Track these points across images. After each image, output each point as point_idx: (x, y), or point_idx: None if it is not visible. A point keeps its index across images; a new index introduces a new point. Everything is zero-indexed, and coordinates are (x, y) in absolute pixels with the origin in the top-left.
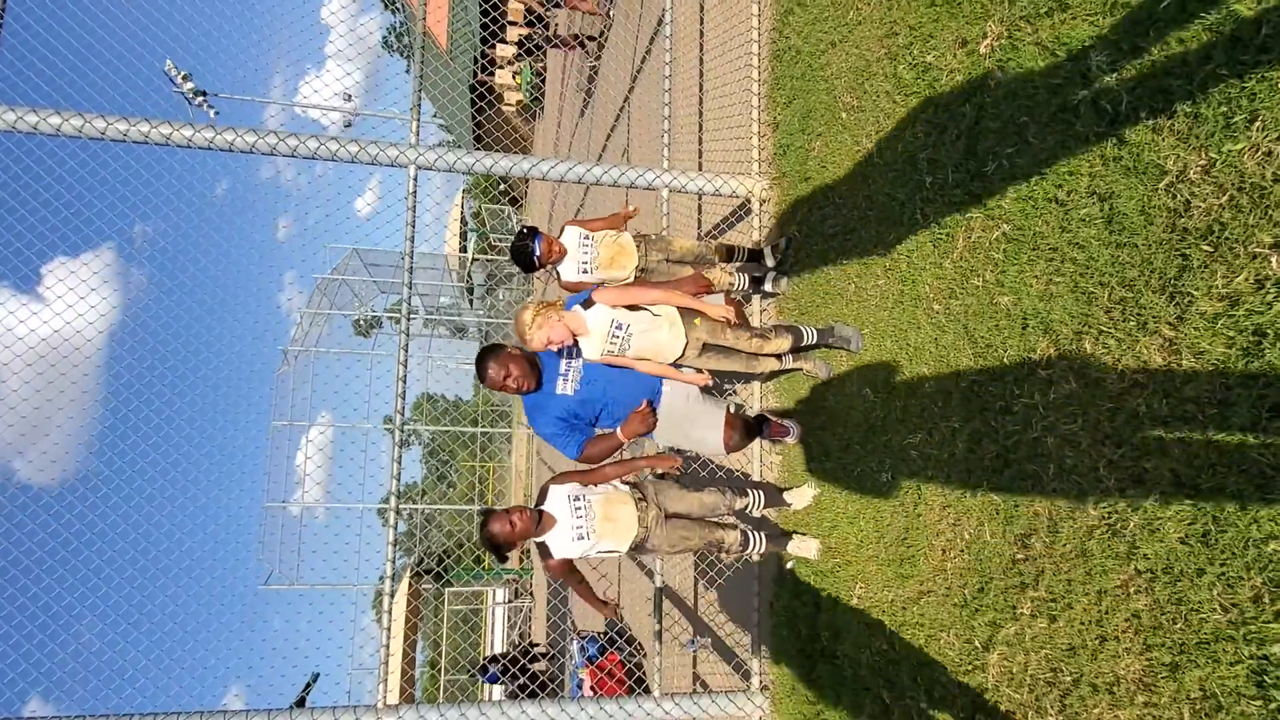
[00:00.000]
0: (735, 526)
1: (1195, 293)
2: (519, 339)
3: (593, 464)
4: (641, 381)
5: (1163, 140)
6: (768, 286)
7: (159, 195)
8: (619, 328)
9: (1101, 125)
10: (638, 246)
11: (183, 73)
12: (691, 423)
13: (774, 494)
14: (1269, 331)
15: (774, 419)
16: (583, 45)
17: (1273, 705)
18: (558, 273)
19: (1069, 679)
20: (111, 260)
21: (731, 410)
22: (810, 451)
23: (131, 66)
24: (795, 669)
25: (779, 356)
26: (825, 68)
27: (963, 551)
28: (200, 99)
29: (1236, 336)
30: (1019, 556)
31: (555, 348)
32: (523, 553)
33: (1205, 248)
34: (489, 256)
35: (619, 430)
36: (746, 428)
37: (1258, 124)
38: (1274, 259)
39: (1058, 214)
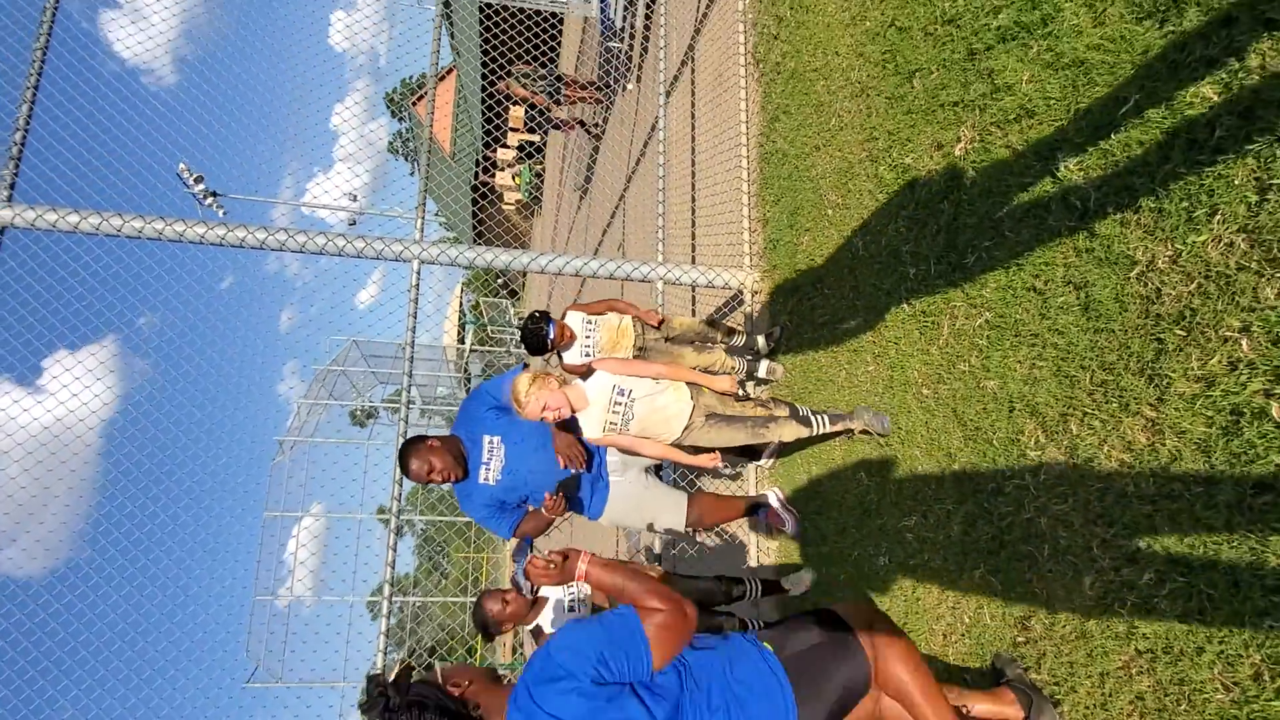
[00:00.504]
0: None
1: (1173, 375)
2: (514, 405)
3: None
4: (563, 470)
5: (1131, 233)
6: (762, 373)
7: (167, 288)
8: (621, 394)
9: (1072, 220)
10: (635, 326)
11: (196, 175)
12: (652, 509)
13: (771, 582)
14: (1245, 411)
15: (774, 505)
16: (582, 125)
17: None
18: (561, 356)
19: None
20: (114, 351)
21: (692, 491)
22: (807, 536)
23: (147, 167)
24: None
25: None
26: (811, 169)
27: (964, 635)
28: (211, 199)
29: (1215, 416)
30: (1019, 639)
31: (551, 418)
32: (516, 643)
33: (1179, 332)
34: (487, 348)
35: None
36: (715, 505)
37: (1218, 217)
38: (1244, 342)
39: (1036, 302)
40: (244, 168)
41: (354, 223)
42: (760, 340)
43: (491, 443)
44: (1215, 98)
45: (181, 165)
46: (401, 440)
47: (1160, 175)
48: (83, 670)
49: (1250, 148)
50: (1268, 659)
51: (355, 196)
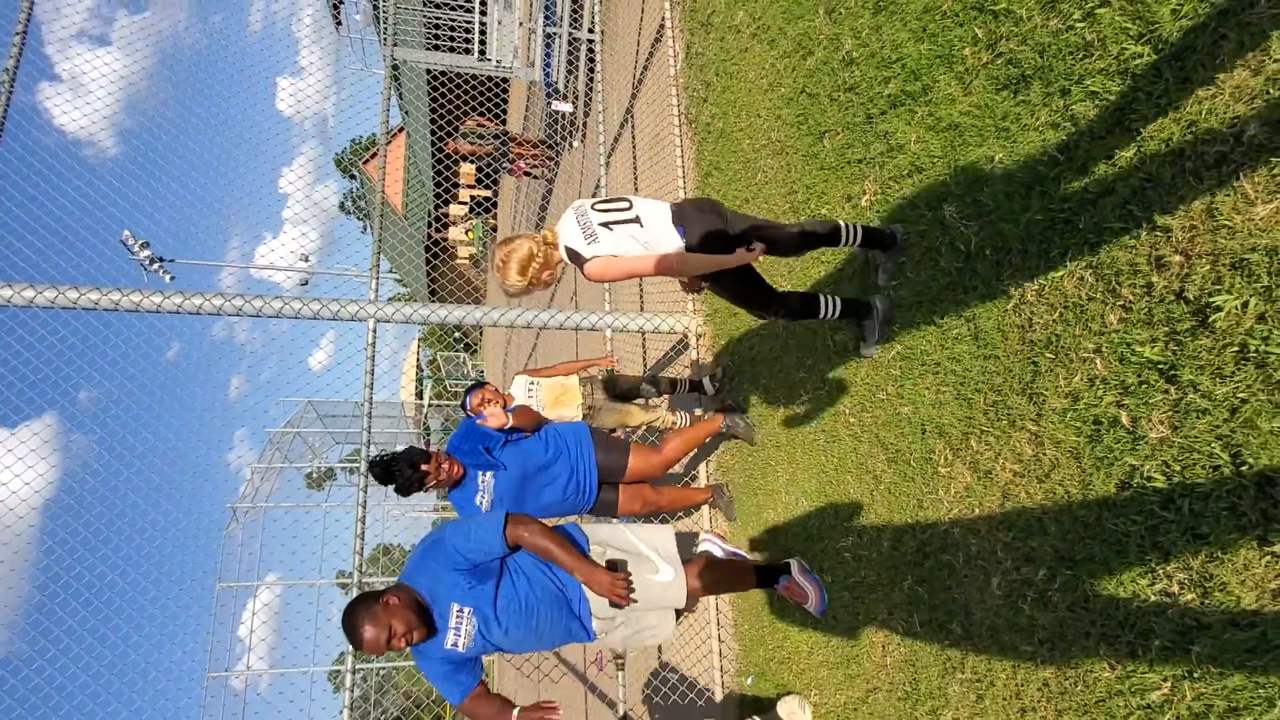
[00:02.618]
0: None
1: (1047, 393)
2: (499, 274)
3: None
4: (548, 632)
5: (1004, 271)
6: (706, 386)
7: (111, 362)
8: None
9: (959, 261)
10: (582, 386)
11: (140, 241)
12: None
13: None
14: (1103, 420)
15: (794, 575)
16: (530, 175)
17: None
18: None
19: None
20: (52, 426)
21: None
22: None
23: (93, 233)
24: None
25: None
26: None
27: (899, 645)
28: (157, 265)
29: (1082, 427)
30: (945, 642)
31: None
32: None
33: (1049, 356)
34: (444, 402)
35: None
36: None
37: (1069, 255)
38: (1098, 361)
39: (936, 334)
40: (191, 233)
41: (306, 283)
42: (705, 382)
43: (461, 613)
44: (1060, 156)
45: (125, 233)
46: (364, 483)
47: (1024, 221)
48: None
49: (1088, 196)
50: (1140, 637)
51: (307, 258)
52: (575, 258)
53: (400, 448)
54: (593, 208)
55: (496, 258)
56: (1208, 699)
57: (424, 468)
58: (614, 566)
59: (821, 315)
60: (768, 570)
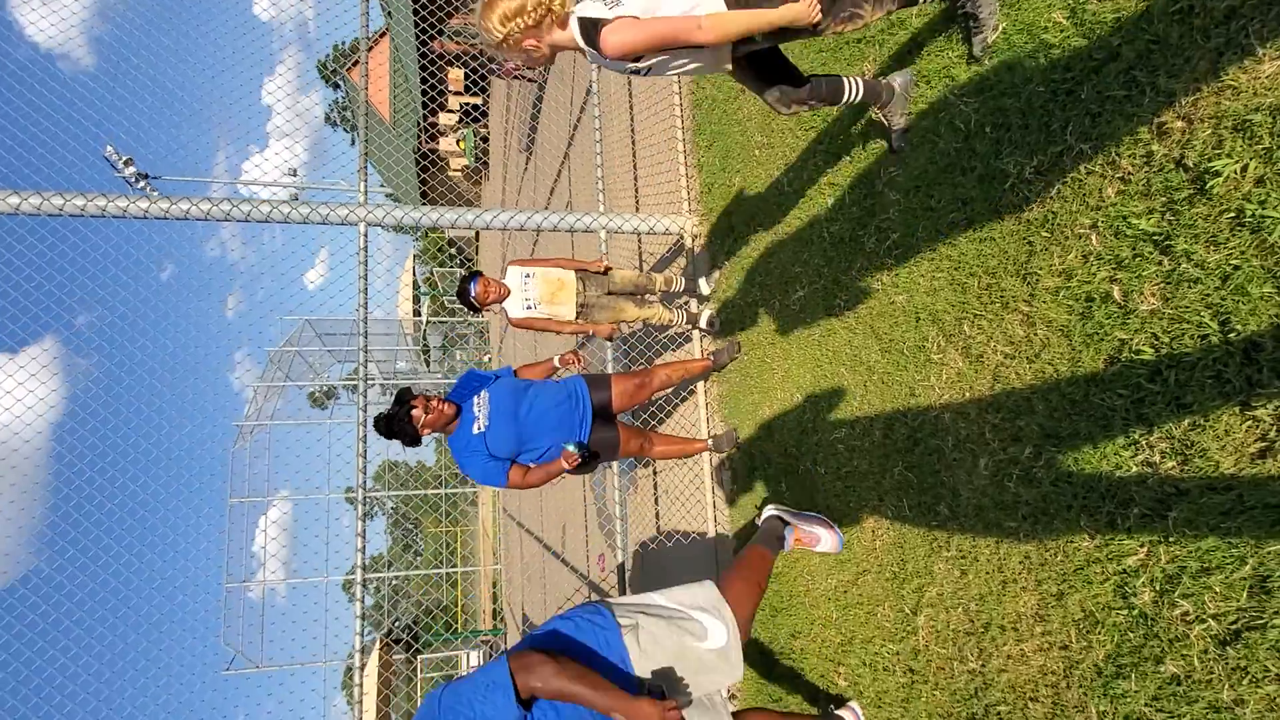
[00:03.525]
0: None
1: (1041, 272)
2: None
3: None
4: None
5: (1003, 149)
6: (703, 324)
7: (104, 286)
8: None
9: (958, 141)
10: (579, 282)
11: (125, 157)
12: (693, 656)
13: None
14: (1095, 296)
15: (796, 526)
16: (523, 77)
17: (1135, 611)
18: (505, 310)
19: (981, 626)
20: (55, 353)
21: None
22: (754, 461)
23: (72, 150)
24: (759, 670)
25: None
26: (738, 112)
27: (888, 529)
28: (143, 182)
29: (1074, 304)
30: (932, 523)
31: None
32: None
33: (1044, 234)
34: (443, 319)
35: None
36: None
37: (1069, 127)
38: (1093, 237)
39: (932, 220)
40: (175, 150)
41: (295, 198)
42: (701, 283)
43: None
44: (1065, 21)
45: (109, 148)
46: (361, 416)
47: (1025, 94)
48: (53, 669)
49: (1093, 63)
50: (1119, 505)
51: (295, 172)
52: (591, 31)
53: (401, 364)
54: None
55: None
56: (1181, 560)
57: (411, 402)
58: (655, 685)
59: (846, 99)
60: (775, 539)
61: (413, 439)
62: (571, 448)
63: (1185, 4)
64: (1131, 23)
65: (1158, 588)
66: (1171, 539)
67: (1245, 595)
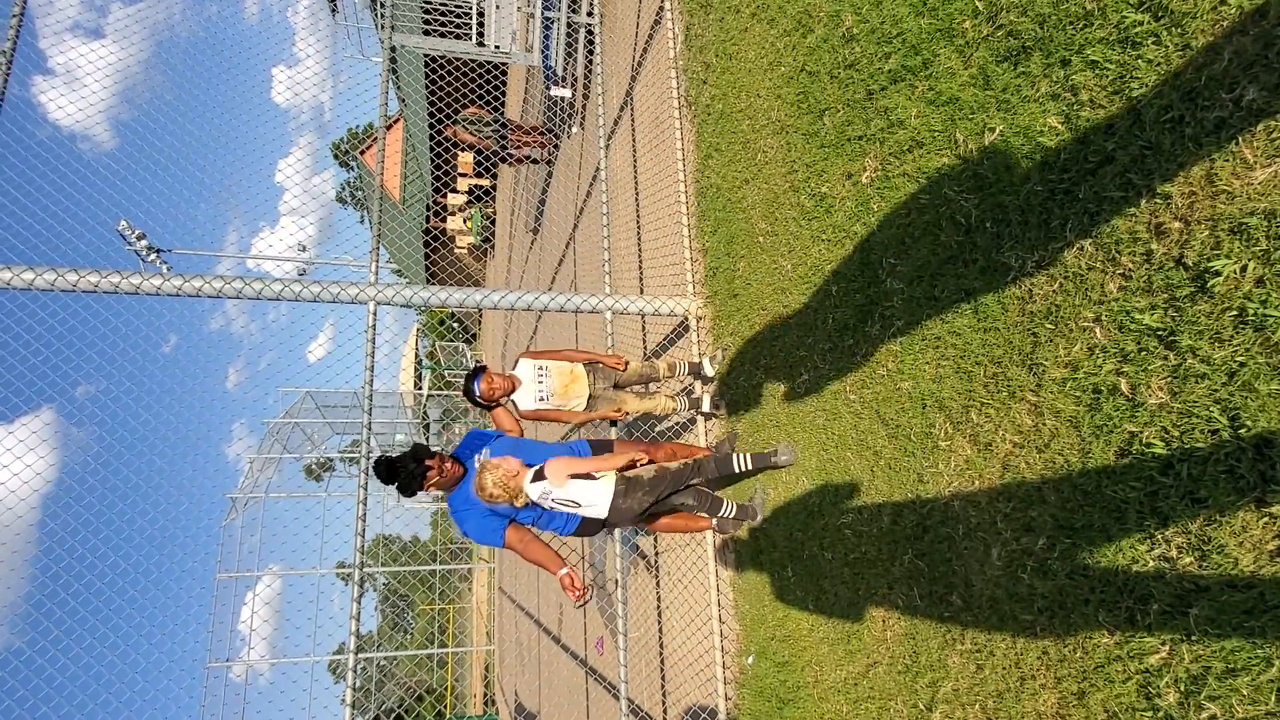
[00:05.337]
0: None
1: (1047, 363)
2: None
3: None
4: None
5: (1004, 244)
6: (706, 408)
7: (107, 358)
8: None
9: (959, 235)
10: (587, 374)
11: (137, 232)
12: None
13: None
14: (1103, 389)
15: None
16: (531, 160)
17: (1160, 714)
18: (514, 403)
19: None
20: (51, 423)
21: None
22: (758, 544)
23: (89, 228)
24: None
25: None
26: (742, 200)
27: (899, 619)
28: (154, 255)
29: (1081, 396)
30: (945, 614)
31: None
32: (487, 699)
33: (1048, 326)
34: (444, 392)
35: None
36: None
37: (1068, 226)
38: (1097, 330)
39: (936, 308)
40: (187, 226)
41: (304, 273)
42: (705, 364)
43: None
44: (1060, 126)
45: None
46: (365, 479)
47: (1024, 192)
48: None
49: (1088, 166)
50: (1137, 601)
51: (304, 247)
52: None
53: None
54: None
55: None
56: (1205, 660)
57: (428, 462)
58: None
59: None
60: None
61: (408, 482)
62: (578, 581)
63: (1176, 114)
64: (1124, 129)
65: (1183, 688)
66: (1194, 637)
67: (1274, 699)
